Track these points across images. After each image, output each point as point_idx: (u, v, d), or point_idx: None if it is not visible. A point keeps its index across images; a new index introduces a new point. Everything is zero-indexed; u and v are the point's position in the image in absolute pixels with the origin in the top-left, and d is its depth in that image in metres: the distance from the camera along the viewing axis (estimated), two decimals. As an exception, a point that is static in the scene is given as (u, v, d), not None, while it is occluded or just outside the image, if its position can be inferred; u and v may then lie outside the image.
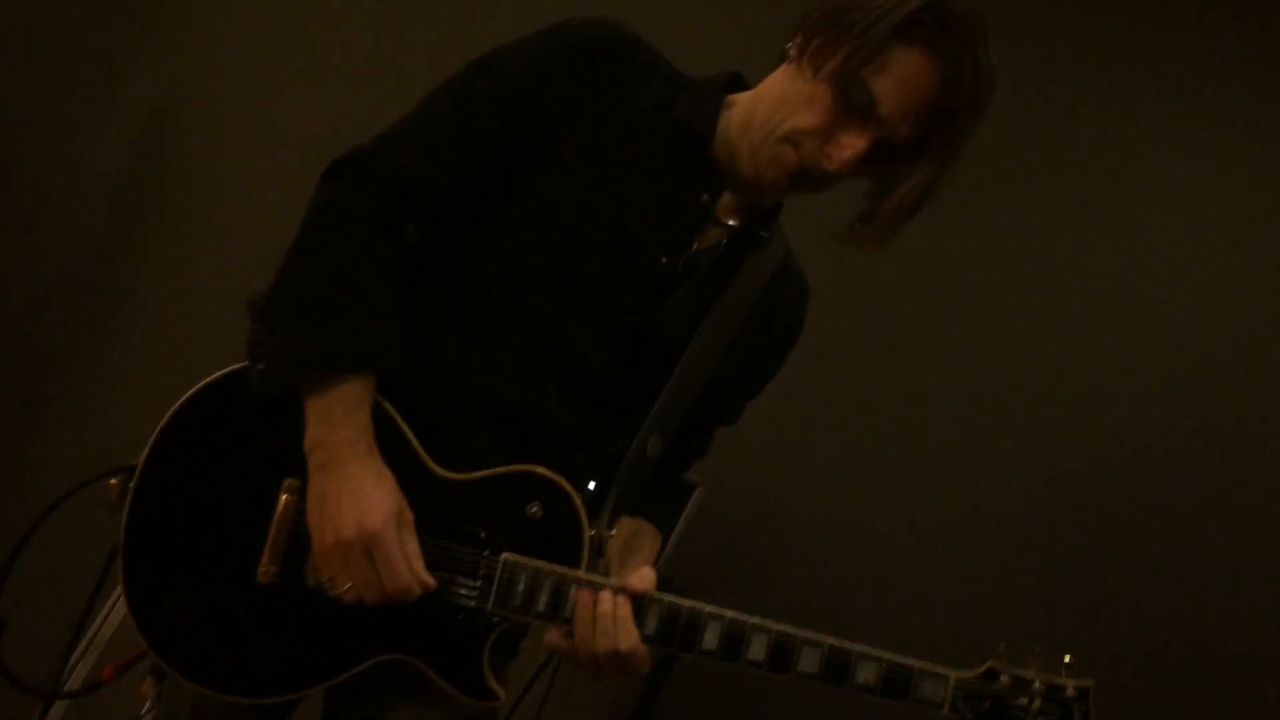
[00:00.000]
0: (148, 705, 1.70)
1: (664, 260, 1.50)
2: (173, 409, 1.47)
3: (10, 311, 3.31)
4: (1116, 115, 2.96)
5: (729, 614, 1.38)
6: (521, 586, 1.41)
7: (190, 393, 1.47)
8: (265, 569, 1.41)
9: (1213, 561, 2.65)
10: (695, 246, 1.53)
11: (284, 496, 1.42)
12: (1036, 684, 1.32)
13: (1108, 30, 2.98)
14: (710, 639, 1.38)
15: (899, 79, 1.39)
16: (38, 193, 3.33)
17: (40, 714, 2.08)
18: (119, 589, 1.66)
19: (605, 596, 1.39)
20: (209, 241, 3.17)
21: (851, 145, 1.41)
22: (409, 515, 1.39)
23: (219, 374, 1.47)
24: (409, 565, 1.37)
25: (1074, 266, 2.91)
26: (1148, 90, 2.95)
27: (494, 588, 1.42)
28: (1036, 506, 2.79)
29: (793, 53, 1.47)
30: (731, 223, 1.55)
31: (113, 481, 1.48)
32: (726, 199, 1.54)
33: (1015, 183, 2.97)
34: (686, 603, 1.39)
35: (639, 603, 1.39)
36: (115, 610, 2.18)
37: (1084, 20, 3.02)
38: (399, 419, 1.44)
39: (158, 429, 1.46)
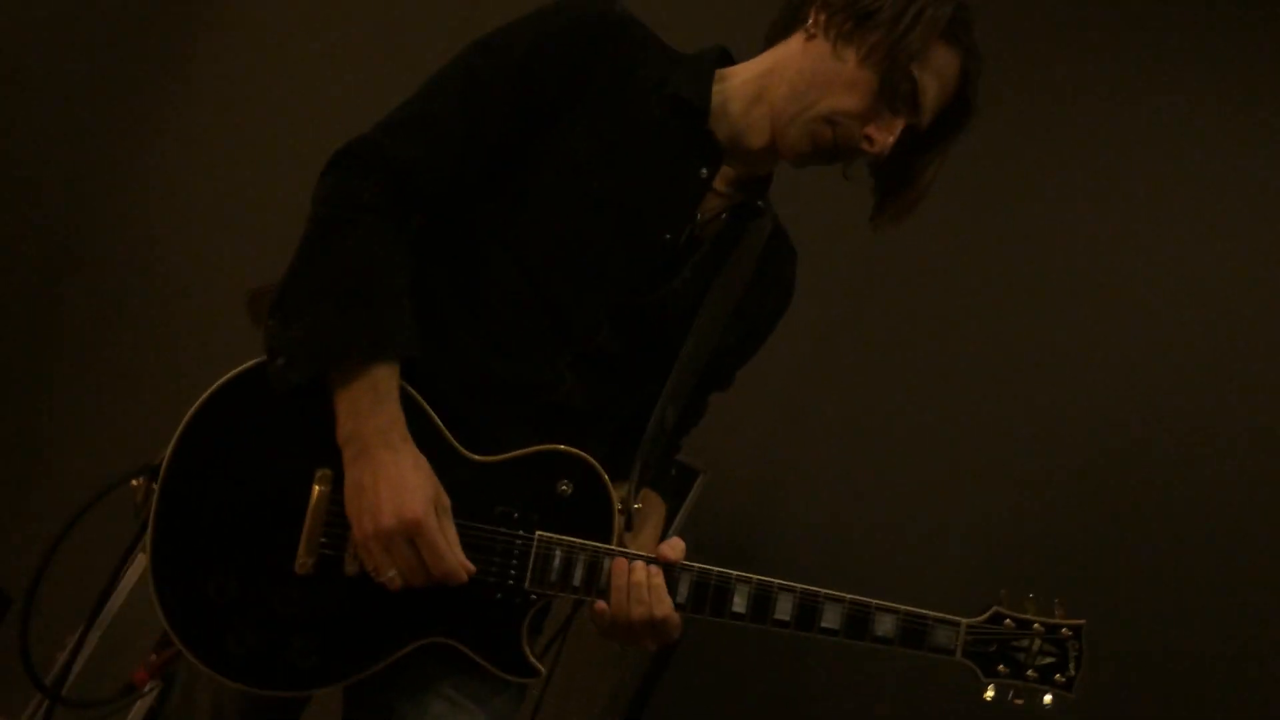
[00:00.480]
0: (150, 684, 1.73)
1: (667, 236, 1.58)
2: (194, 406, 1.49)
3: (16, 308, 3.31)
4: (1116, 111, 3.15)
5: (755, 577, 1.50)
6: (557, 563, 1.50)
7: (211, 389, 1.49)
8: (302, 560, 1.46)
9: (1208, 553, 2.86)
10: (699, 218, 1.62)
11: (317, 487, 1.46)
12: (1036, 625, 1.49)
13: (1107, 25, 3.18)
14: (739, 602, 1.50)
15: (936, 73, 1.53)
16: (46, 192, 3.34)
17: (45, 712, 2.12)
18: (122, 585, 1.70)
19: (639, 566, 1.49)
20: (217, 239, 3.19)
21: (892, 131, 1.54)
22: (446, 500, 1.46)
23: (239, 369, 1.50)
24: (452, 550, 1.44)
25: (1072, 255, 3.11)
26: (1147, 86, 3.15)
27: (530, 566, 1.49)
28: (1033, 489, 2.97)
29: (813, 29, 1.56)
30: (729, 194, 1.64)
31: (136, 482, 1.51)
32: (725, 171, 1.63)
33: (1016, 177, 3.15)
34: (715, 569, 1.51)
35: (670, 571, 1.50)
36: (116, 607, 2.21)
37: (1084, 15, 3.21)
38: (425, 405, 1.50)
39: (180, 427, 1.48)
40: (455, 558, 1.44)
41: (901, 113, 1.54)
